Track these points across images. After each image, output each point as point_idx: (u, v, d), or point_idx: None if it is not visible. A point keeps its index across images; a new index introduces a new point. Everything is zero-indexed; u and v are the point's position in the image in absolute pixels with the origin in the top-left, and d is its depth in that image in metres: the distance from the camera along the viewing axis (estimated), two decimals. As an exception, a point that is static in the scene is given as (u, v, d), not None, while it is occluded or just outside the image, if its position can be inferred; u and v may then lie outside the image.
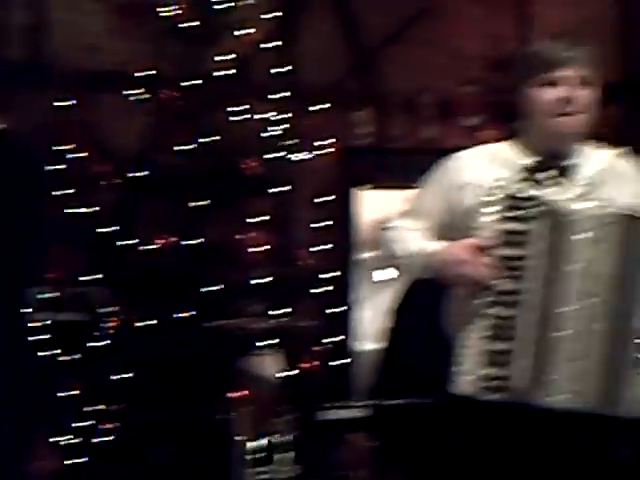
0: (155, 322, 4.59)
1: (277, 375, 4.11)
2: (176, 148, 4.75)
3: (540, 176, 2.47)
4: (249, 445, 3.74)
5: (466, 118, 5.29)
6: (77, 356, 4.53)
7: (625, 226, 2.34)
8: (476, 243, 2.36)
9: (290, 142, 4.94)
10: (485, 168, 2.50)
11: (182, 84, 4.91)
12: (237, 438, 3.72)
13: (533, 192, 2.39)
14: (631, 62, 5.30)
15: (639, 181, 2.56)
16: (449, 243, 2.42)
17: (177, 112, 4.90)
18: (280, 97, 5.14)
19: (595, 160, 2.53)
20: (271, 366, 4.16)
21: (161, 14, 4.97)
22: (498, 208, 2.35)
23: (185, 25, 4.96)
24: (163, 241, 4.65)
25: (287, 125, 5.02)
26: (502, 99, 5.57)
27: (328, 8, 5.89)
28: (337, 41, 5.85)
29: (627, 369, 2.35)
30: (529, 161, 2.49)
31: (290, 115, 5.08)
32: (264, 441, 3.78)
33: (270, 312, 4.56)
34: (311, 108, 5.06)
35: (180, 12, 4.98)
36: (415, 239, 2.52)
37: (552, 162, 2.48)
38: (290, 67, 5.36)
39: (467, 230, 2.42)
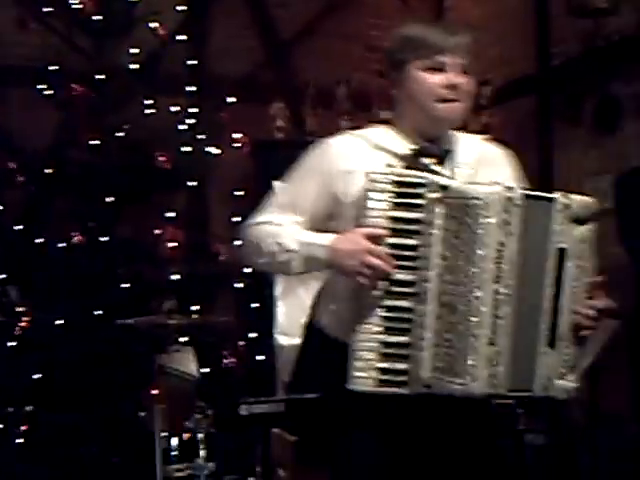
0: (68, 320, 4.49)
1: (195, 371, 4.07)
2: (88, 143, 4.65)
3: (425, 161, 2.42)
4: (170, 442, 3.70)
5: (382, 110, 5.29)
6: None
7: (527, 207, 2.29)
8: (372, 232, 2.27)
9: (203, 136, 4.88)
10: (366, 154, 2.42)
11: (93, 78, 4.82)
12: (157, 435, 3.66)
13: (426, 177, 2.29)
14: (545, 54, 5.37)
15: (510, 165, 2.59)
16: (344, 232, 2.32)
17: (88, 107, 4.80)
18: (193, 90, 5.08)
19: (468, 146, 2.51)
20: (189, 362, 4.12)
21: (70, 7, 4.86)
22: (390, 195, 2.26)
23: (94, 18, 4.86)
24: (76, 238, 4.55)
25: (200, 119, 4.97)
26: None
27: (240, 0, 5.86)
28: (250, 34, 5.82)
29: (538, 349, 2.33)
30: (411, 146, 2.43)
31: (203, 109, 5.03)
32: (184, 437, 3.74)
33: (188, 308, 4.51)
34: (225, 101, 5.00)
35: (89, 5, 4.88)
36: (300, 231, 2.42)
37: (432, 147, 2.44)
38: (202, 60, 5.31)
39: (355, 219, 2.34)
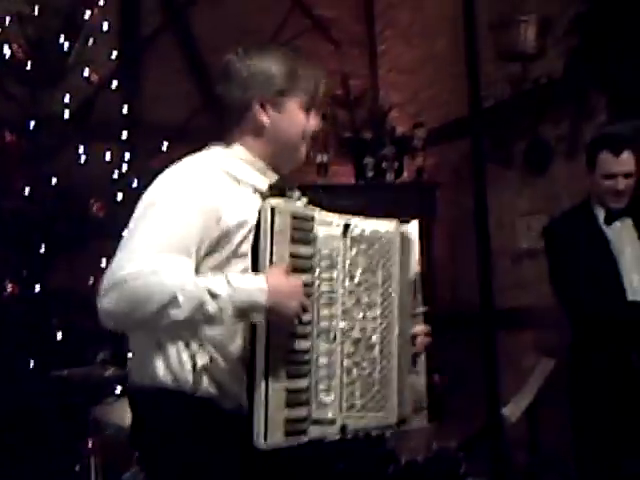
0: (1, 372, 4.39)
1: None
2: (21, 191, 4.59)
3: (294, 195, 2.32)
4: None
5: (318, 154, 5.33)
6: None
7: (397, 238, 2.39)
8: (284, 268, 2.13)
9: (138, 182, 4.85)
10: (233, 187, 2.26)
11: (26, 126, 4.77)
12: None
13: (319, 212, 2.24)
14: (476, 97, 5.46)
15: None
16: (270, 273, 2.12)
17: (20, 155, 4.74)
18: (126, 137, 5.06)
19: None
20: (125, 413, 4.05)
21: (2, 55, 4.81)
22: (288, 231, 2.14)
23: (27, 66, 4.82)
24: (9, 288, 4.46)
25: (134, 166, 4.94)
26: (351, 135, 5.67)
27: (174, 47, 5.87)
28: (184, 79, 5.83)
29: (405, 379, 2.34)
30: (266, 181, 2.32)
31: (138, 155, 5.00)
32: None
33: (123, 358, 4.43)
34: (159, 148, 4.98)
35: (21, 53, 4.84)
36: (221, 276, 2.13)
37: (290, 184, 2.35)
38: (136, 107, 5.29)
39: (241, 257, 2.19)
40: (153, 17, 5.84)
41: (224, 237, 2.20)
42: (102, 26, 5.03)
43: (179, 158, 2.41)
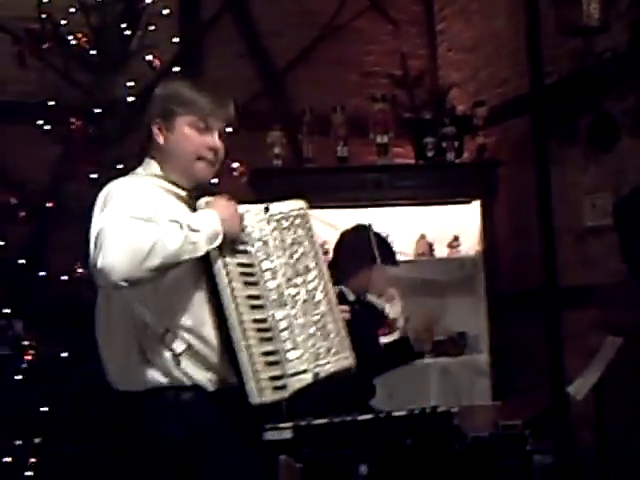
0: (73, 353, 4.49)
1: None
2: (87, 177, 4.67)
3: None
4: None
5: (378, 135, 5.32)
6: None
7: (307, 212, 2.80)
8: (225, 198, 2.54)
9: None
10: (162, 197, 2.53)
11: (90, 112, 4.85)
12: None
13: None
14: (538, 74, 5.41)
15: None
16: (215, 204, 2.49)
17: (86, 141, 4.82)
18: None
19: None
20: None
21: (67, 42, 4.90)
22: None
23: (91, 53, 4.90)
24: (78, 270, 4.55)
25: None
26: (410, 115, 5.65)
27: (234, 31, 5.91)
28: (245, 63, 5.87)
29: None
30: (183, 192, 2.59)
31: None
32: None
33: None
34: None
35: (86, 40, 4.92)
36: (185, 217, 2.45)
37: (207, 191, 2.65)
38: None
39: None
40: (213, 1, 5.89)
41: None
42: (162, 11, 5.10)
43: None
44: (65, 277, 4.66)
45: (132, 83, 4.91)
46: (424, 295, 5.25)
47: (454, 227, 5.55)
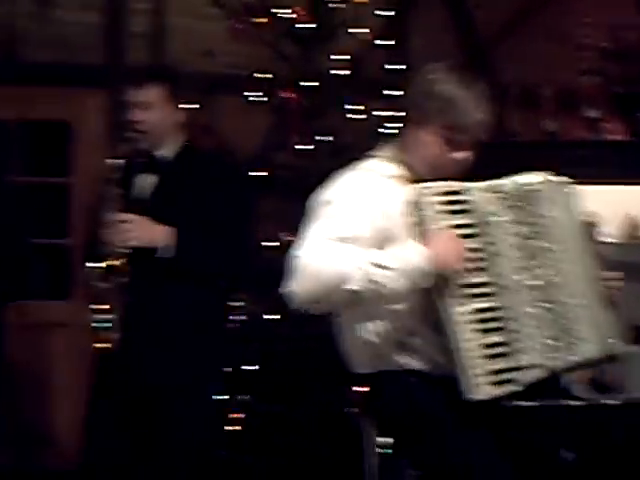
0: (285, 315, 4.64)
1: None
2: (296, 148, 4.80)
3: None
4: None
5: (587, 110, 5.18)
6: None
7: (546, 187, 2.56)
8: (446, 235, 2.33)
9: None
10: (387, 186, 2.45)
11: (299, 84, 4.97)
12: (368, 434, 3.73)
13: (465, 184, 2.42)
14: None
15: None
16: (430, 240, 2.32)
17: (295, 112, 4.95)
18: (395, 95, 5.13)
19: None
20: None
21: (277, 16, 5.03)
22: (442, 206, 2.34)
23: (301, 26, 5.01)
24: (286, 238, 4.70)
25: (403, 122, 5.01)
26: (622, 90, 5.46)
27: (439, 3, 5.88)
28: (450, 36, 5.83)
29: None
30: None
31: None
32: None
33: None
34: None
35: (296, 13, 5.03)
36: (381, 252, 2.34)
37: None
38: (404, 64, 5.35)
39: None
40: (420, -27, 5.88)
41: (391, 230, 2.39)
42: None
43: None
44: (271, 243, 4.82)
45: (340, 57, 4.99)
46: (634, 280, 5.07)
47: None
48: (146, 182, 3.22)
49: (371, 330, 2.43)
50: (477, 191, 2.43)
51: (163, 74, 3.26)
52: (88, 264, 3.04)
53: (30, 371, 5.25)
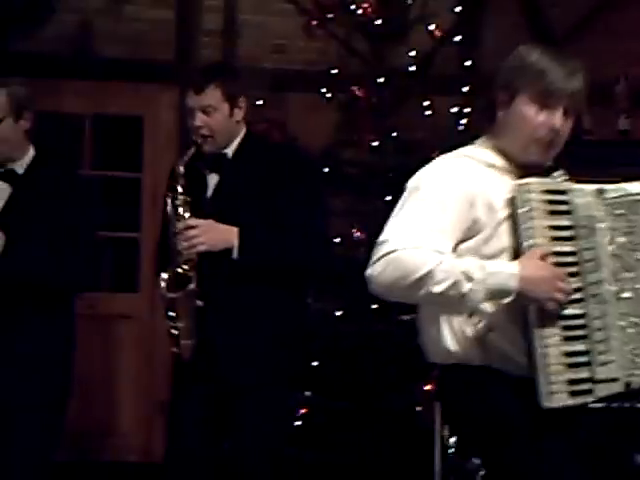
0: (348, 312, 4.65)
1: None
2: (367, 144, 4.80)
3: (556, 174, 2.40)
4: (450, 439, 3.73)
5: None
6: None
7: None
8: (541, 253, 2.25)
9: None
10: (483, 174, 2.37)
11: (370, 81, 4.97)
12: (437, 432, 3.71)
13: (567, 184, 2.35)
14: None
15: None
16: (524, 260, 2.25)
17: (365, 109, 4.95)
18: (466, 91, 5.11)
19: None
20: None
21: (352, 12, 5.03)
22: (542, 206, 2.27)
23: (375, 23, 5.01)
24: (357, 234, 4.70)
25: (474, 119, 4.99)
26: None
27: (513, 1, 5.82)
28: (521, 32, 5.77)
29: None
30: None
31: (476, 109, 5.04)
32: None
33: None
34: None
35: (370, 10, 5.03)
36: (476, 260, 2.28)
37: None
38: (474, 61, 5.33)
39: (498, 237, 2.31)
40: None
41: (480, 220, 2.33)
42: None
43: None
44: (338, 239, 4.82)
45: (412, 53, 4.98)
46: None
47: None
48: (210, 182, 3.20)
49: (453, 323, 2.39)
50: (581, 193, 2.36)
51: (221, 74, 3.21)
52: (161, 274, 3.04)
53: (97, 362, 5.32)
